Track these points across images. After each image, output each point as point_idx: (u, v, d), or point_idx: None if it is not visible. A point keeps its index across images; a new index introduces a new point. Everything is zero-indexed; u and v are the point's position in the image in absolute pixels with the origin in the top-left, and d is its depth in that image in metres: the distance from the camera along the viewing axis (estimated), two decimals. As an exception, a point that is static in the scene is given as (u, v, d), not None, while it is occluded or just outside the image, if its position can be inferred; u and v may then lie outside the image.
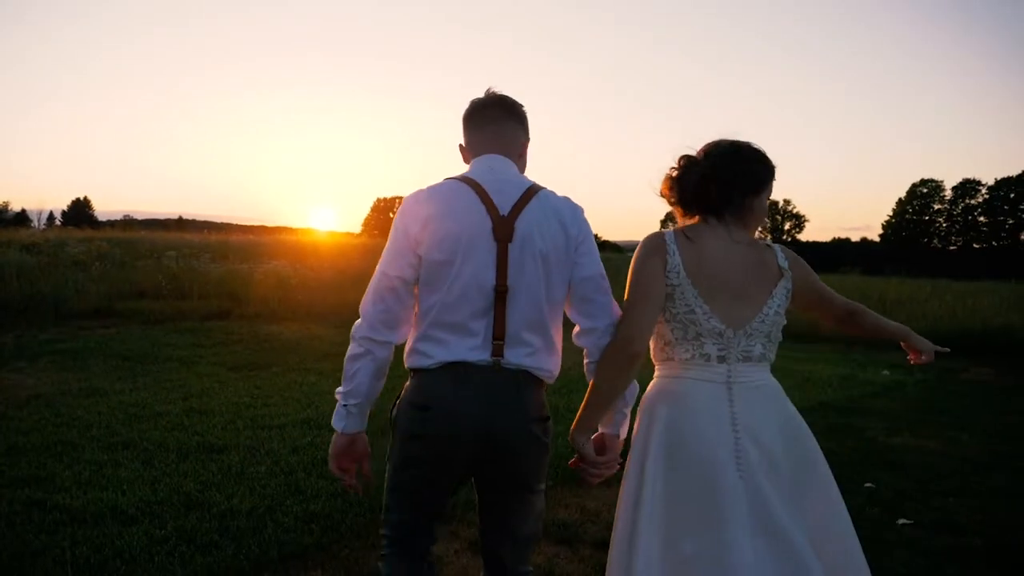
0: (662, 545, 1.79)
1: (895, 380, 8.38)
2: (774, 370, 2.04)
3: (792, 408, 2.00)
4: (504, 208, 1.83)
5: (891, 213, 72.34)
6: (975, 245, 67.43)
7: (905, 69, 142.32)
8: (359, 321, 1.89)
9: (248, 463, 4.40)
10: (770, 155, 2.03)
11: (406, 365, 1.94)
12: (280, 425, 5.26)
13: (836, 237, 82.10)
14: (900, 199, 71.81)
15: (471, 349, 1.81)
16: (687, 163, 1.99)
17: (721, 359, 1.90)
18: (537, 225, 1.83)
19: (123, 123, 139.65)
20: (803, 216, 78.68)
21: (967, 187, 68.28)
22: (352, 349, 1.90)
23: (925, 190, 70.46)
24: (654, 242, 1.94)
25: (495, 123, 1.96)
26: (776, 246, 2.04)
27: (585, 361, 1.96)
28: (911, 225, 70.31)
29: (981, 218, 67.52)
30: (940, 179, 69.92)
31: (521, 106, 2.01)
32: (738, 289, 1.92)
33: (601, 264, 1.94)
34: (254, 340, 9.36)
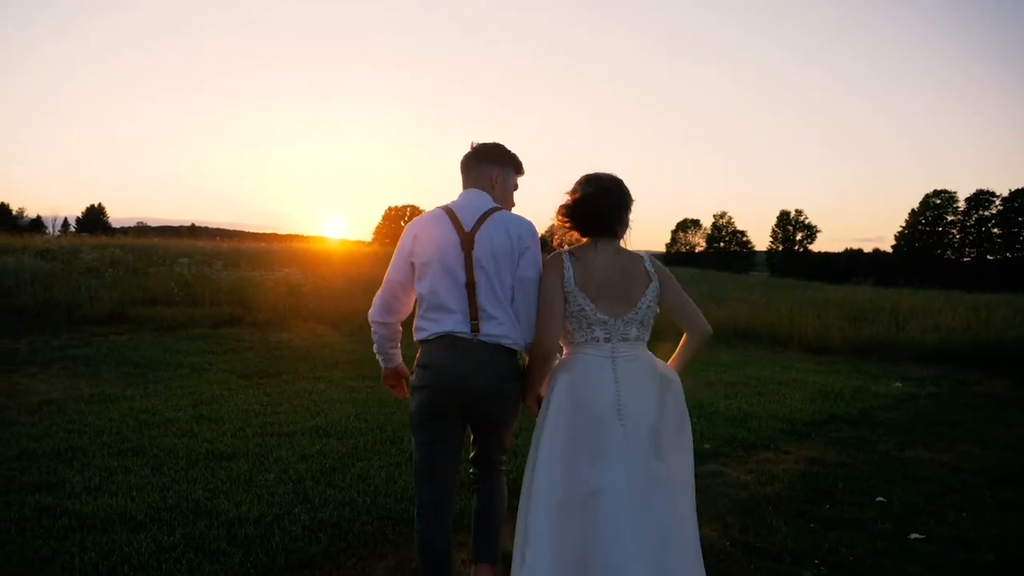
0: (563, 476, 2.46)
1: (907, 392, 8.30)
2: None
3: (663, 372, 2.62)
4: (468, 226, 2.61)
5: (904, 224, 71.92)
6: (989, 256, 66.94)
7: (919, 79, 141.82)
8: (371, 309, 2.77)
9: (256, 471, 4.41)
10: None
11: (414, 339, 2.69)
12: (289, 433, 5.27)
13: (848, 248, 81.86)
14: (913, 210, 71.41)
15: (456, 324, 2.56)
16: (576, 201, 2.64)
17: (607, 340, 2.56)
18: (489, 237, 2.58)
19: (137, 131, 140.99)
20: (815, 227, 78.36)
21: (981, 198, 67.84)
22: (372, 328, 2.82)
23: (938, 201, 70.05)
24: (554, 262, 2.62)
25: (471, 168, 2.78)
26: (644, 255, 2.67)
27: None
28: (924, 236, 69.85)
29: (995, 229, 67.03)
30: (954, 190, 69.61)
31: (493, 148, 2.78)
32: (617, 290, 2.58)
33: (539, 269, 2.64)
34: (265, 347, 9.39)
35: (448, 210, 2.66)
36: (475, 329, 2.56)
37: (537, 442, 2.55)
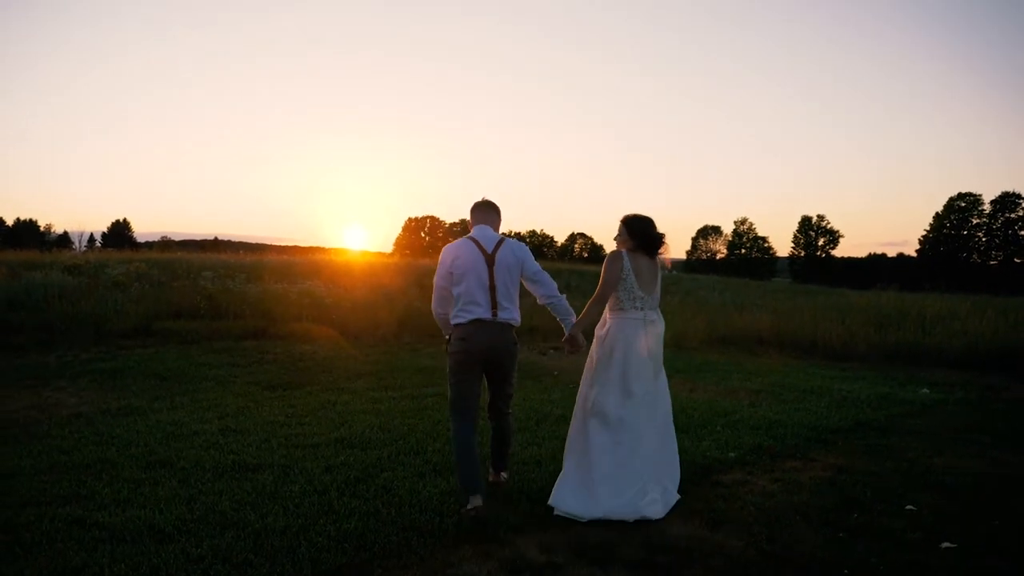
0: (619, 389, 4.16)
1: (935, 399, 8.17)
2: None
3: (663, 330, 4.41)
4: (488, 249, 4.16)
5: (928, 228, 70.96)
6: (1016, 259, 65.83)
7: (942, 80, 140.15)
8: (432, 305, 4.34)
9: (282, 482, 4.44)
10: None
11: (452, 323, 4.19)
12: (313, 444, 5.30)
13: (872, 253, 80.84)
14: (937, 213, 70.43)
15: (482, 312, 4.08)
16: (640, 227, 4.30)
17: (641, 308, 4.24)
18: (503, 256, 4.15)
19: (161, 146, 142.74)
20: (837, 232, 77.48)
21: (1007, 200, 66.81)
22: (434, 315, 4.39)
23: (963, 204, 69.06)
24: (617, 256, 4.26)
25: (484, 212, 4.40)
26: (659, 260, 4.38)
27: (547, 304, 4.32)
28: (949, 240, 68.88)
29: (1022, 232, 65.93)
30: (979, 192, 68.58)
31: (494, 204, 4.44)
32: (650, 278, 4.29)
33: (538, 265, 4.29)
34: (288, 359, 9.47)
35: (473, 239, 4.22)
36: (494, 315, 4.11)
37: (594, 370, 4.25)
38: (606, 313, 4.33)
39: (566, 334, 4.29)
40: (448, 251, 4.20)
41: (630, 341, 4.16)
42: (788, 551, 3.63)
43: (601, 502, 3.98)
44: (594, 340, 4.33)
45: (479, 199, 4.42)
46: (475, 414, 4.17)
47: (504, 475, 4.50)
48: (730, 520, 4.04)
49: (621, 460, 4.09)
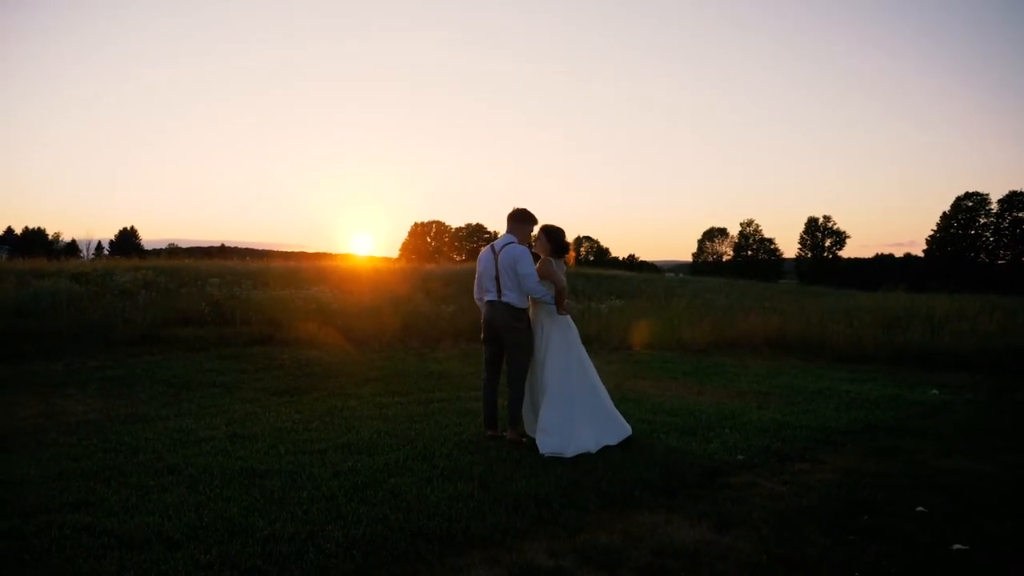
0: (559, 354, 5.64)
1: (944, 400, 8.13)
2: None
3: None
4: (498, 251, 5.67)
5: (935, 227, 70.75)
6: (1024, 259, 65.52)
7: (948, 81, 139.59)
8: (474, 292, 5.95)
9: (290, 488, 4.44)
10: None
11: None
12: (321, 450, 5.30)
13: (879, 253, 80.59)
14: (945, 213, 70.27)
15: (491, 296, 5.69)
16: (553, 236, 5.83)
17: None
18: (504, 256, 5.60)
19: (168, 153, 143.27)
20: (844, 233, 77.33)
21: (1014, 199, 66.56)
22: (477, 302, 5.93)
23: (970, 203, 68.86)
24: (549, 262, 5.74)
25: (515, 223, 5.80)
26: (562, 262, 5.93)
27: (528, 296, 5.68)
28: (957, 239, 68.61)
29: (1030, 231, 65.62)
30: (986, 192, 68.39)
31: (526, 211, 5.83)
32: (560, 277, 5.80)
33: (527, 268, 5.50)
34: (295, 365, 9.48)
35: (492, 245, 5.74)
36: (499, 298, 5.61)
37: (548, 337, 5.66)
38: (531, 305, 5.73)
39: (559, 309, 5.69)
40: (480, 254, 5.92)
41: (551, 317, 5.69)
42: (797, 554, 3.61)
43: (556, 440, 5.32)
44: (529, 325, 5.76)
45: (514, 208, 5.85)
46: (498, 369, 5.83)
47: (516, 435, 5.64)
48: (739, 523, 4.02)
49: (563, 403, 5.48)
